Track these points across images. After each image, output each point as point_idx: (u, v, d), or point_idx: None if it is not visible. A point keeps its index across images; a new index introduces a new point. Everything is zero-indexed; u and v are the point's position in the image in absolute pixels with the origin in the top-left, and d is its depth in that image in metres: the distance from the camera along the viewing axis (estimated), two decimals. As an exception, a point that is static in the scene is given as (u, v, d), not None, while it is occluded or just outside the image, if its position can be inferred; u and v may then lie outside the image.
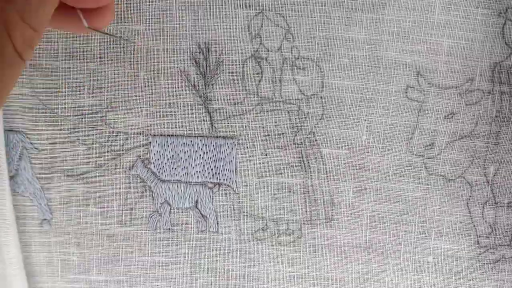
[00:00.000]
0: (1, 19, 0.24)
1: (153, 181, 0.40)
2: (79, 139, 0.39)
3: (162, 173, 0.40)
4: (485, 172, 0.40)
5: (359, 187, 0.40)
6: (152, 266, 0.41)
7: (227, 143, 0.39)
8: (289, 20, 0.37)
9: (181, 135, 0.39)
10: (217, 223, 0.41)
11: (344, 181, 0.40)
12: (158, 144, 0.39)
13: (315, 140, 0.39)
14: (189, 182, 0.40)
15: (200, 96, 0.39)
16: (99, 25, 0.31)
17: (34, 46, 0.26)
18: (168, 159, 0.39)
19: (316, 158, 0.39)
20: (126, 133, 0.39)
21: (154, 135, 0.39)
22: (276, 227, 0.41)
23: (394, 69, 0.38)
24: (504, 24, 0.37)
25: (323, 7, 0.37)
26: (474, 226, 0.40)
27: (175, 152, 0.39)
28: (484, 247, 0.40)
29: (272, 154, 0.40)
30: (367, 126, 0.39)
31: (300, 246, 0.41)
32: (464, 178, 0.40)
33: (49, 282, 0.42)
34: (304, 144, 0.39)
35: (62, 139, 0.39)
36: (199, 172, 0.40)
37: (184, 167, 0.40)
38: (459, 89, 0.38)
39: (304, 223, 0.40)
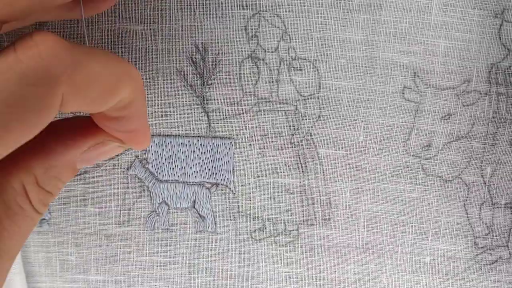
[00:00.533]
0: (20, 180, 0.27)
1: (151, 181, 0.40)
2: (78, 139, 0.40)
3: (160, 173, 0.40)
4: (482, 173, 0.40)
5: (356, 188, 0.40)
6: (150, 266, 0.41)
7: (225, 143, 0.39)
8: (286, 21, 0.38)
9: (179, 135, 0.39)
10: (215, 223, 0.41)
11: (341, 182, 0.40)
12: (156, 144, 0.39)
13: (312, 141, 0.39)
14: (186, 182, 0.40)
15: (198, 96, 0.39)
16: (101, 6, 0.32)
17: (48, 204, 0.29)
18: (165, 159, 0.40)
19: (313, 158, 0.40)
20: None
21: (152, 135, 0.39)
22: (273, 228, 0.41)
23: (391, 70, 0.38)
24: (501, 25, 0.37)
25: (320, 8, 0.37)
26: (471, 226, 0.40)
27: (173, 152, 0.39)
28: (481, 247, 0.40)
29: (269, 155, 0.40)
30: (364, 126, 0.39)
31: (298, 247, 0.41)
32: (461, 179, 0.40)
33: (48, 282, 0.42)
34: (301, 145, 0.39)
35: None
36: (197, 172, 0.40)
37: (182, 167, 0.40)
38: (456, 90, 0.38)
39: (301, 224, 0.41)
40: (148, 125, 0.31)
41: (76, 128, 0.29)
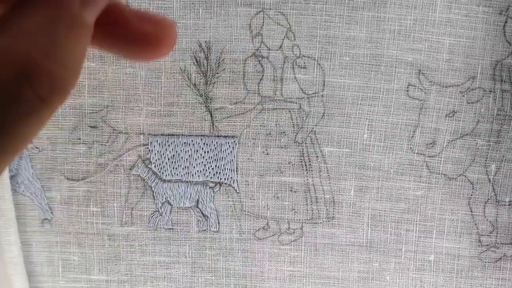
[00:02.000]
0: (18, 60, 0.21)
1: (154, 180, 0.40)
2: (79, 139, 0.39)
3: (163, 172, 0.40)
4: (486, 171, 0.39)
5: (360, 186, 0.40)
6: (153, 265, 0.41)
7: (228, 142, 0.39)
8: (290, 19, 0.37)
9: (182, 135, 0.39)
10: (218, 223, 0.40)
11: (345, 180, 0.40)
12: (159, 143, 0.39)
13: (316, 139, 0.39)
14: (190, 181, 0.40)
15: (201, 95, 0.39)
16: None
17: (68, 89, 0.22)
18: (168, 159, 0.39)
19: (317, 157, 0.39)
20: (126, 133, 0.39)
21: (155, 134, 0.39)
22: (277, 226, 0.41)
23: (395, 67, 0.38)
24: (506, 22, 0.37)
25: (324, 6, 0.37)
26: (475, 224, 0.40)
27: (176, 151, 0.39)
28: (486, 245, 0.40)
29: (273, 153, 0.39)
30: (368, 124, 0.39)
31: (301, 245, 0.41)
32: (465, 177, 0.40)
33: (50, 282, 0.42)
34: (305, 143, 0.39)
35: (63, 139, 0.39)
36: (200, 171, 0.40)
37: (185, 167, 0.40)
38: (460, 88, 0.38)
39: (305, 222, 0.40)
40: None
41: None
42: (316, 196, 0.40)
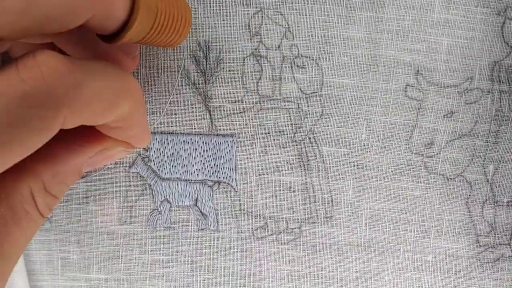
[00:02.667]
0: (28, 185, 0.27)
1: (153, 179, 0.40)
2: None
3: (162, 171, 0.40)
4: (484, 171, 0.40)
5: (359, 186, 0.40)
6: (152, 264, 0.41)
7: (227, 141, 0.39)
8: (289, 19, 0.38)
9: (181, 133, 0.39)
10: (217, 221, 0.41)
11: (344, 180, 0.40)
12: (158, 141, 0.39)
13: (315, 139, 0.39)
14: (189, 180, 0.40)
15: (200, 94, 0.39)
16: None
17: (53, 207, 0.29)
18: (168, 157, 0.40)
19: (315, 156, 0.40)
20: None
21: (154, 132, 0.39)
22: (275, 226, 0.41)
23: (394, 67, 0.38)
24: (504, 23, 0.37)
25: (323, 6, 0.37)
26: (473, 225, 0.40)
27: (175, 150, 0.39)
28: (484, 246, 0.40)
29: (271, 153, 0.40)
30: (366, 124, 0.39)
31: (300, 245, 0.41)
32: (463, 177, 0.40)
33: (49, 280, 0.42)
34: (304, 143, 0.39)
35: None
36: (199, 170, 0.40)
37: (184, 165, 0.40)
38: (458, 88, 0.38)
39: (303, 222, 0.41)
40: (147, 126, 0.32)
41: (83, 135, 0.29)
42: (315, 196, 0.40)
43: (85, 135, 0.29)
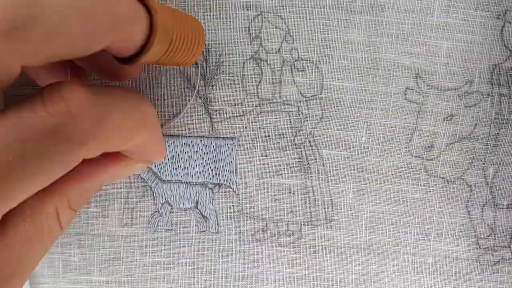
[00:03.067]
0: (54, 204, 0.28)
1: (154, 181, 0.40)
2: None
3: (162, 173, 0.40)
4: (484, 174, 0.40)
5: (359, 189, 0.40)
6: (153, 266, 0.42)
7: (227, 144, 0.39)
8: (289, 22, 0.38)
9: (182, 136, 0.39)
10: (218, 224, 0.41)
11: (344, 183, 0.40)
12: (159, 144, 0.39)
13: (315, 142, 0.39)
14: (189, 182, 0.40)
15: (200, 97, 0.39)
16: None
17: (71, 221, 0.31)
18: (168, 159, 0.40)
19: (315, 159, 0.40)
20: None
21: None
22: (276, 228, 0.41)
23: (393, 71, 0.38)
24: (503, 26, 0.37)
25: (322, 9, 0.37)
26: (473, 227, 0.40)
27: (176, 152, 0.40)
28: (484, 248, 0.40)
29: (272, 155, 0.40)
30: (366, 127, 0.39)
31: (300, 247, 0.41)
32: (463, 180, 0.40)
33: (50, 283, 0.42)
34: (304, 146, 0.39)
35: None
36: (200, 172, 0.40)
37: (185, 168, 0.40)
38: (458, 91, 0.38)
39: (304, 224, 0.41)
40: (162, 141, 0.33)
41: (106, 153, 0.30)
42: (315, 198, 0.40)
43: (107, 154, 0.30)
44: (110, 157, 0.31)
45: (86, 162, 0.28)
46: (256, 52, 0.38)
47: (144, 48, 0.27)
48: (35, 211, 0.27)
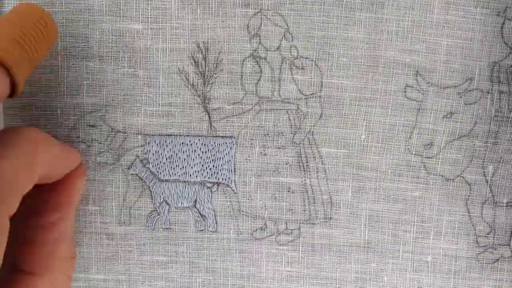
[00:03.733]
0: None
1: (151, 180, 0.40)
2: (79, 137, 0.39)
3: (160, 172, 0.40)
4: (484, 172, 0.40)
5: (358, 187, 0.40)
6: (151, 265, 0.41)
7: (226, 143, 0.39)
8: (288, 20, 0.37)
9: (180, 135, 0.39)
10: (216, 223, 0.41)
11: (343, 181, 0.40)
12: (157, 144, 0.39)
13: (314, 140, 0.39)
14: (187, 181, 0.40)
15: (199, 96, 0.39)
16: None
17: None
18: (166, 159, 0.39)
19: (315, 157, 0.39)
20: (125, 132, 0.39)
21: (153, 134, 0.39)
22: (275, 227, 0.41)
23: (393, 68, 0.38)
24: (503, 23, 0.37)
25: (322, 7, 0.37)
26: (473, 225, 0.40)
27: (174, 151, 0.39)
28: (483, 246, 0.40)
29: (270, 154, 0.40)
30: (366, 125, 0.39)
31: (299, 246, 0.41)
32: (463, 178, 0.40)
33: (48, 281, 0.42)
34: (303, 144, 0.39)
35: (62, 138, 0.39)
36: (198, 171, 0.40)
37: (183, 167, 0.40)
38: (458, 89, 0.38)
39: (303, 223, 0.40)
40: (62, 149, 0.35)
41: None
42: (314, 197, 0.40)
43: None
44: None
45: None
46: (255, 50, 0.38)
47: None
48: None
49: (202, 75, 0.38)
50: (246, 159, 0.40)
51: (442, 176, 0.40)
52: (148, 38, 0.38)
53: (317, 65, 0.38)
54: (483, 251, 0.40)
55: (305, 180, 0.40)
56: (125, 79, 0.38)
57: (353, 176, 0.40)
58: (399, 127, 0.39)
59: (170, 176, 0.40)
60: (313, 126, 0.39)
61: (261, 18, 0.37)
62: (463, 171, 0.39)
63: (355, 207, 0.40)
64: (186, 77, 0.38)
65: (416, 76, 0.38)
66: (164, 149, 0.39)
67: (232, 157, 0.39)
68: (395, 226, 0.40)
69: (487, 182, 0.40)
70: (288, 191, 0.40)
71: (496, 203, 0.40)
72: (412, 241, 0.40)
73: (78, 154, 0.37)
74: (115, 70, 0.38)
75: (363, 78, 0.38)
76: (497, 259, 0.40)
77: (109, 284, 0.42)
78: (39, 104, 0.39)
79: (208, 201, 0.40)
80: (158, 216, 0.41)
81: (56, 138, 0.37)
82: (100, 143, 0.39)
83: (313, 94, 0.38)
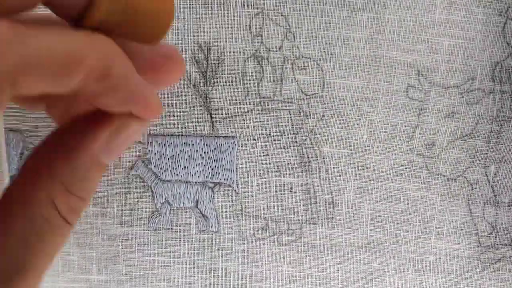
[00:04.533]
0: (46, 189, 0.24)
1: (153, 181, 0.40)
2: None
3: (162, 173, 0.40)
4: (485, 172, 0.39)
5: (360, 187, 0.40)
6: (153, 266, 0.41)
7: (228, 143, 0.39)
8: (290, 20, 0.37)
9: (182, 135, 0.39)
10: (218, 223, 0.41)
11: (345, 181, 0.40)
12: (159, 144, 0.39)
13: (316, 140, 0.39)
14: (189, 182, 0.40)
15: (201, 96, 0.39)
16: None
17: (81, 211, 0.26)
18: (168, 159, 0.39)
19: (316, 157, 0.39)
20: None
21: (155, 134, 0.39)
22: (276, 227, 0.41)
23: (395, 68, 0.38)
24: (505, 23, 0.37)
25: (324, 7, 0.37)
26: (474, 225, 0.40)
27: (176, 152, 0.39)
28: (485, 246, 0.40)
29: (272, 154, 0.39)
30: (367, 125, 0.39)
31: (301, 246, 0.41)
32: (464, 178, 0.40)
33: (50, 282, 0.42)
34: (305, 144, 0.39)
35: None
36: (200, 171, 0.40)
37: (185, 167, 0.40)
38: (460, 89, 0.38)
39: (304, 223, 0.40)
40: (148, 87, 0.27)
41: (90, 121, 0.26)
42: (316, 197, 0.40)
43: (91, 121, 0.26)
44: (95, 122, 0.26)
45: (69, 137, 0.25)
46: (257, 50, 0.38)
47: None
48: (26, 206, 0.24)
49: (204, 75, 0.38)
50: (248, 159, 0.39)
51: (444, 176, 0.40)
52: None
53: (319, 65, 0.38)
54: (485, 251, 0.40)
55: (307, 180, 0.40)
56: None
57: (355, 176, 0.40)
58: (401, 127, 0.39)
59: (172, 176, 0.40)
60: (315, 126, 0.39)
61: (263, 18, 0.37)
62: (465, 171, 0.39)
63: (357, 207, 0.40)
64: (188, 77, 0.38)
65: (418, 76, 0.38)
66: (166, 149, 0.39)
67: (234, 157, 0.39)
68: (397, 226, 0.40)
69: (489, 182, 0.40)
70: (290, 191, 0.40)
71: (498, 203, 0.40)
72: (414, 241, 0.40)
73: (156, 104, 0.27)
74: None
75: (365, 78, 0.38)
76: (499, 259, 0.40)
77: (111, 285, 0.42)
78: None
79: (210, 201, 0.40)
80: (160, 217, 0.40)
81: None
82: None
83: (315, 94, 0.38)
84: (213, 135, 0.39)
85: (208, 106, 0.39)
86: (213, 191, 0.40)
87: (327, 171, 0.40)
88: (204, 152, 0.39)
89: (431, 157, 0.39)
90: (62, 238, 0.25)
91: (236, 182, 0.40)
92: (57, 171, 0.25)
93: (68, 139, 0.26)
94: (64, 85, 0.22)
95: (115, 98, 0.25)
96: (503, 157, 0.39)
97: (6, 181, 0.39)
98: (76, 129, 0.26)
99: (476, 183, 0.40)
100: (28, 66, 0.20)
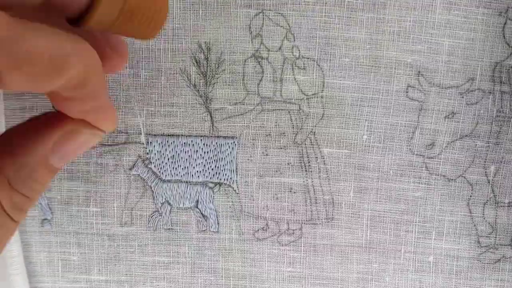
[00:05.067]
0: None
1: (153, 181, 0.40)
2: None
3: (162, 173, 0.40)
4: (485, 172, 0.39)
5: (360, 187, 0.40)
6: (153, 266, 0.41)
7: (228, 143, 0.39)
8: (290, 20, 0.37)
9: (182, 135, 0.39)
10: (218, 223, 0.41)
11: (345, 181, 0.40)
12: (159, 144, 0.39)
13: (316, 140, 0.39)
14: (189, 182, 0.40)
15: (201, 96, 0.39)
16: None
17: (26, 210, 0.26)
18: (168, 159, 0.39)
19: (316, 158, 0.39)
20: (126, 133, 0.39)
21: (155, 134, 0.39)
22: (276, 227, 0.41)
23: (395, 68, 0.38)
24: (505, 23, 0.37)
25: (324, 7, 0.37)
26: (474, 225, 0.40)
27: (176, 152, 0.39)
28: (485, 246, 0.40)
29: (272, 154, 0.40)
30: (367, 125, 0.39)
31: (301, 246, 0.41)
32: (464, 178, 0.40)
33: (50, 282, 0.42)
34: (305, 144, 0.39)
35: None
36: (200, 172, 0.40)
37: (185, 167, 0.40)
38: (459, 89, 0.38)
39: (304, 223, 0.40)
40: (109, 102, 0.28)
41: (42, 122, 0.27)
42: (316, 197, 0.40)
43: (43, 123, 0.27)
44: (47, 124, 0.27)
45: (19, 135, 0.26)
46: (257, 50, 0.38)
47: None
48: None
49: (204, 75, 0.38)
50: (248, 159, 0.40)
51: (444, 176, 0.40)
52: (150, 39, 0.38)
53: (319, 65, 0.38)
54: (485, 251, 0.40)
55: (307, 180, 0.40)
56: (127, 79, 0.38)
57: (355, 176, 0.40)
58: (401, 127, 0.39)
59: (172, 176, 0.40)
60: (315, 126, 0.39)
61: (263, 18, 0.37)
62: (464, 171, 0.39)
63: (356, 208, 0.40)
64: (188, 78, 0.38)
65: (418, 76, 0.38)
66: (166, 149, 0.39)
67: (234, 157, 0.39)
68: (396, 227, 0.40)
69: (489, 182, 0.40)
70: (290, 191, 0.40)
71: (497, 203, 0.40)
72: (414, 241, 0.40)
73: (113, 119, 0.29)
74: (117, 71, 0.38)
75: (365, 78, 0.38)
76: (499, 259, 0.40)
77: (111, 285, 0.42)
78: (39, 105, 0.39)
79: (210, 201, 0.40)
80: (160, 217, 0.40)
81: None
82: (101, 144, 0.39)
83: (315, 94, 0.38)
84: (213, 135, 0.39)
85: (208, 106, 0.39)
86: (213, 191, 0.40)
87: (327, 171, 0.40)
88: (204, 152, 0.39)
89: (431, 158, 0.39)
90: (7, 234, 0.26)
91: (236, 182, 0.40)
92: (3, 167, 0.25)
93: (18, 138, 0.26)
94: (45, 87, 0.23)
95: (80, 105, 0.26)
96: (503, 157, 0.39)
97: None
98: (29, 129, 0.27)
99: (476, 184, 0.40)
100: (17, 65, 0.21)
